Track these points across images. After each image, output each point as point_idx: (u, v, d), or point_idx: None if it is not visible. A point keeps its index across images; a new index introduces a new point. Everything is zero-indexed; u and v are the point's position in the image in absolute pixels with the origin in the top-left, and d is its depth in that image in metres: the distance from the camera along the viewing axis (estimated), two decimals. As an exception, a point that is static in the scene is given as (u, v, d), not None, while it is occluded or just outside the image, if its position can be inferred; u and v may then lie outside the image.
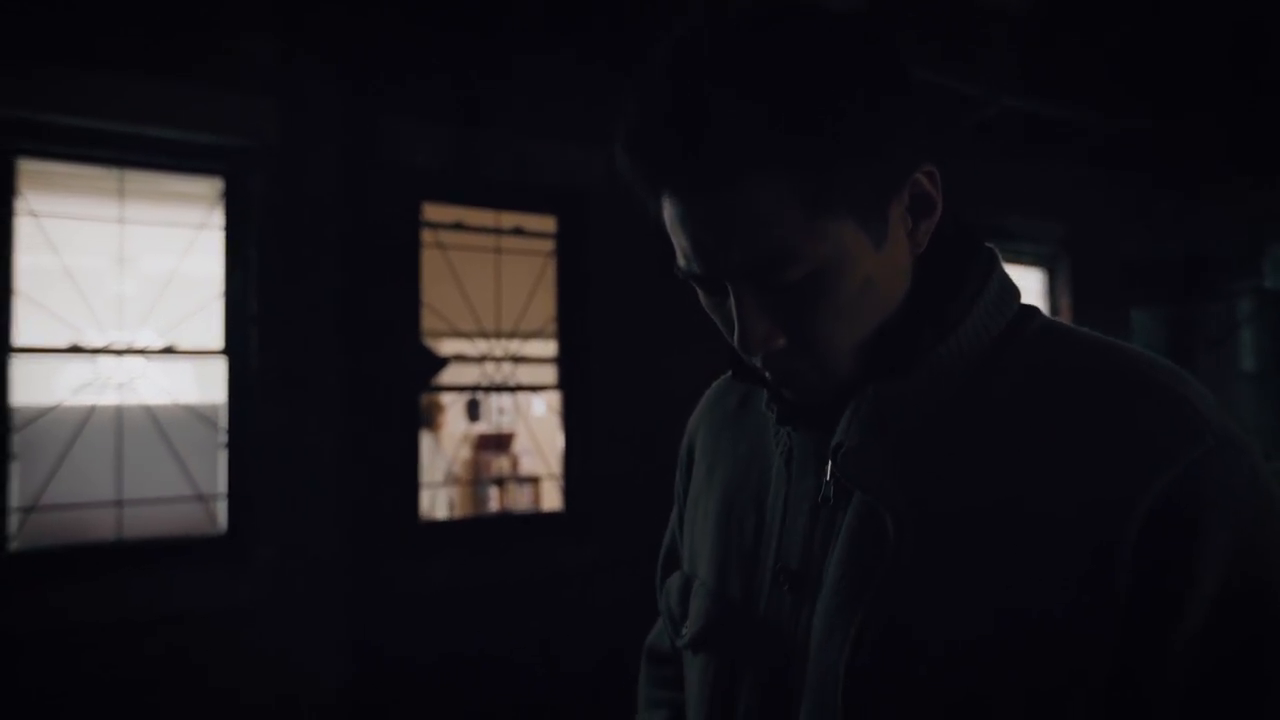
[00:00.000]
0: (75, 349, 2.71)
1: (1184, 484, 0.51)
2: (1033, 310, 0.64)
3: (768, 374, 0.62)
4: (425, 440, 4.87)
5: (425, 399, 4.88)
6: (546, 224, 3.54)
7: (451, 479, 4.66)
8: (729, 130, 0.51)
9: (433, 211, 3.30)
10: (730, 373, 0.71)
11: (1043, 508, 0.53)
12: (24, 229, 2.62)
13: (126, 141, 2.72)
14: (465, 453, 5.87)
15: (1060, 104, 4.37)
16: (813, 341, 0.58)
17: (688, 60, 0.54)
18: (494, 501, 5.77)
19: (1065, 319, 4.72)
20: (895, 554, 0.56)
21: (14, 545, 2.56)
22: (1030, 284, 5.02)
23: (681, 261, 0.59)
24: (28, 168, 2.64)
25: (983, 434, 0.57)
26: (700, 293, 0.62)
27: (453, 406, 5.25)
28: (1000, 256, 0.66)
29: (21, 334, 2.59)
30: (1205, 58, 4.37)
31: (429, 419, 5.01)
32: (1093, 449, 0.53)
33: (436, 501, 4.67)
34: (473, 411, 6.41)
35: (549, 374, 3.58)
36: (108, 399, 2.78)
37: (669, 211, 0.57)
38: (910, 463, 0.58)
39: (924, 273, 0.62)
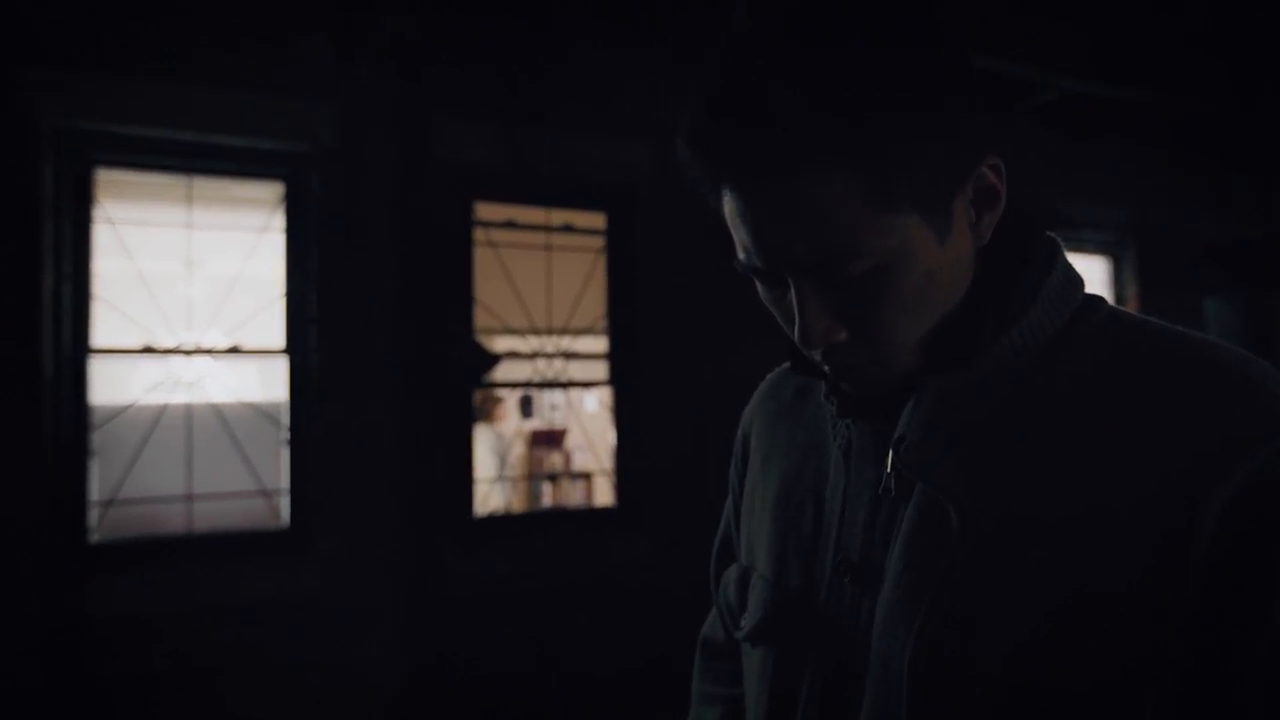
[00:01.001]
0: (148, 350, 2.83)
1: (1266, 472, 0.49)
2: (1098, 300, 0.63)
3: (827, 367, 0.61)
4: (487, 433, 4.98)
5: (485, 393, 4.98)
6: (596, 220, 3.55)
7: (507, 474, 4.72)
8: (791, 124, 0.50)
9: (484, 210, 3.35)
10: (788, 365, 0.71)
11: (1111, 498, 0.52)
12: (101, 236, 2.75)
13: (194, 149, 2.83)
14: (519, 449, 5.94)
15: (1123, 86, 4.20)
16: (874, 336, 0.57)
17: (749, 53, 0.53)
18: (547, 497, 5.83)
19: (1132, 307, 4.54)
20: (959, 546, 0.55)
21: (95, 537, 2.69)
22: (1094, 272, 4.85)
23: (741, 255, 0.58)
24: (105, 177, 2.77)
25: (1048, 425, 0.56)
26: (759, 286, 0.61)
27: (505, 403, 5.32)
28: (1063, 246, 0.64)
29: (99, 336, 2.72)
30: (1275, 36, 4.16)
31: (486, 411, 5.10)
32: (1165, 439, 0.52)
33: (496, 494, 4.76)
34: (526, 408, 6.49)
35: (600, 370, 3.60)
36: (178, 397, 2.90)
37: (730, 205, 0.57)
38: (973, 455, 0.57)
39: (986, 264, 0.61)
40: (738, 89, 0.52)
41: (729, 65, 0.53)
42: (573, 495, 5.75)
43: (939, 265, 0.57)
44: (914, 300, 0.56)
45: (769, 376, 0.84)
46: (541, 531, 3.42)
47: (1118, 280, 4.85)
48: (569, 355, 3.56)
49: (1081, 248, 4.75)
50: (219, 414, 2.94)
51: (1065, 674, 0.51)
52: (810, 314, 0.56)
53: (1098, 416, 0.55)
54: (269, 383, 3.04)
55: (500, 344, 3.59)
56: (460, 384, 3.24)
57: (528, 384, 3.70)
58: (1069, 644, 0.51)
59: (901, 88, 0.52)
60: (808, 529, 0.67)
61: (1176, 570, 0.50)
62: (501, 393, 5.05)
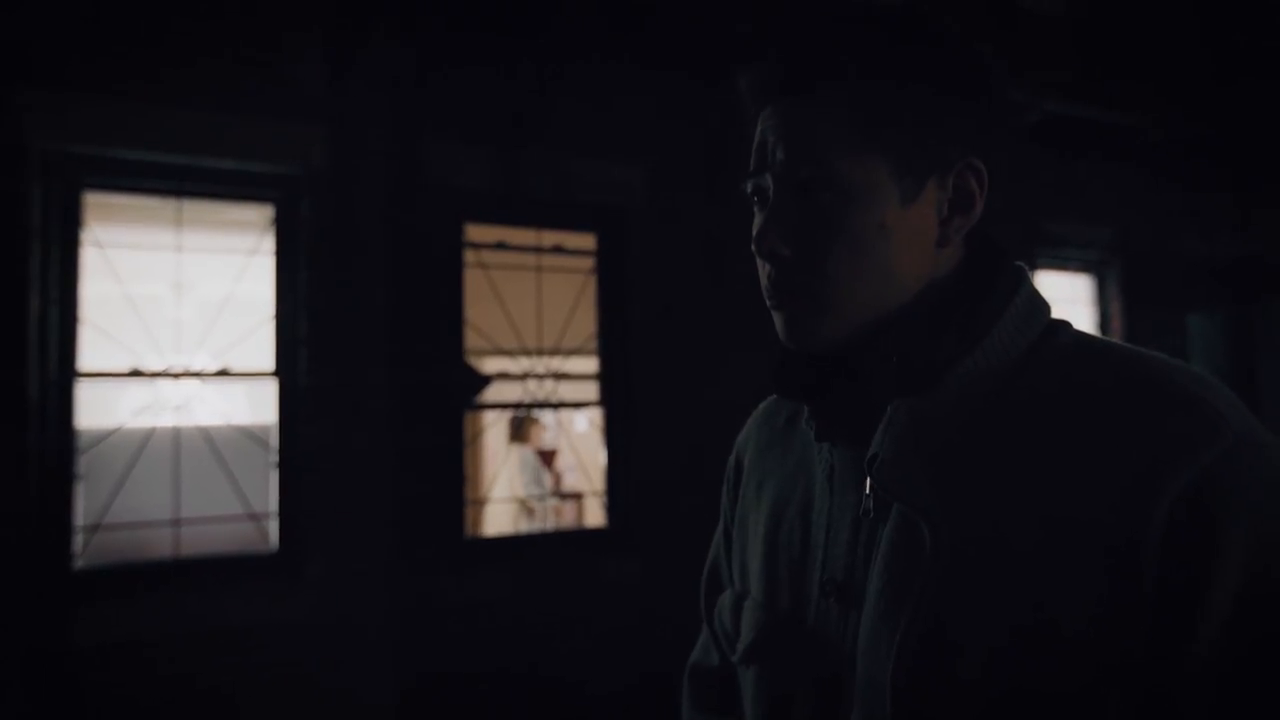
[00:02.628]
0: (136, 373, 2.81)
1: (1204, 481, 0.52)
2: (1062, 324, 0.66)
3: (770, 294, 0.66)
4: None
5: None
6: (586, 241, 3.57)
7: (503, 495, 4.70)
8: (819, 42, 0.62)
9: (475, 232, 3.36)
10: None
11: (1069, 510, 0.55)
12: (90, 259, 2.74)
13: (184, 172, 2.84)
14: (510, 469, 5.91)
15: (1105, 109, 4.27)
16: (814, 261, 0.62)
17: (807, 11, 0.64)
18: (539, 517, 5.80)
19: (1115, 324, 4.55)
20: (933, 562, 0.57)
21: (79, 563, 2.65)
22: (1079, 290, 4.90)
23: (750, 168, 0.67)
24: (93, 200, 2.76)
25: (1012, 444, 0.59)
26: (755, 210, 0.68)
27: (495, 425, 5.31)
28: (1029, 274, 0.67)
29: (87, 359, 2.70)
30: (1258, 58, 4.25)
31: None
32: (1114, 452, 0.55)
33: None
34: (516, 429, 6.47)
35: (591, 390, 3.60)
36: (166, 421, 2.88)
37: (759, 126, 0.66)
38: (944, 473, 0.60)
39: (951, 286, 0.65)
40: (790, 25, 0.64)
41: (788, 16, 0.64)
42: (564, 516, 5.72)
43: (894, 225, 0.62)
44: (859, 243, 0.61)
45: (762, 404, 0.86)
46: (534, 552, 3.40)
47: (1102, 297, 4.91)
48: (559, 376, 3.56)
49: (1066, 266, 4.80)
50: (207, 437, 2.92)
51: (1038, 682, 0.54)
52: (770, 222, 0.63)
53: (1057, 435, 0.58)
54: (257, 405, 3.02)
55: (491, 365, 3.59)
56: (451, 405, 3.23)
57: (518, 405, 3.69)
58: (1039, 653, 0.54)
59: (912, 55, 0.62)
60: (796, 552, 0.70)
61: (1130, 578, 0.52)
62: (490, 414, 5.04)
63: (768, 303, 0.66)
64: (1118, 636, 0.52)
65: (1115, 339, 4.96)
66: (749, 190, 0.66)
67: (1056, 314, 0.67)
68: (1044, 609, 0.53)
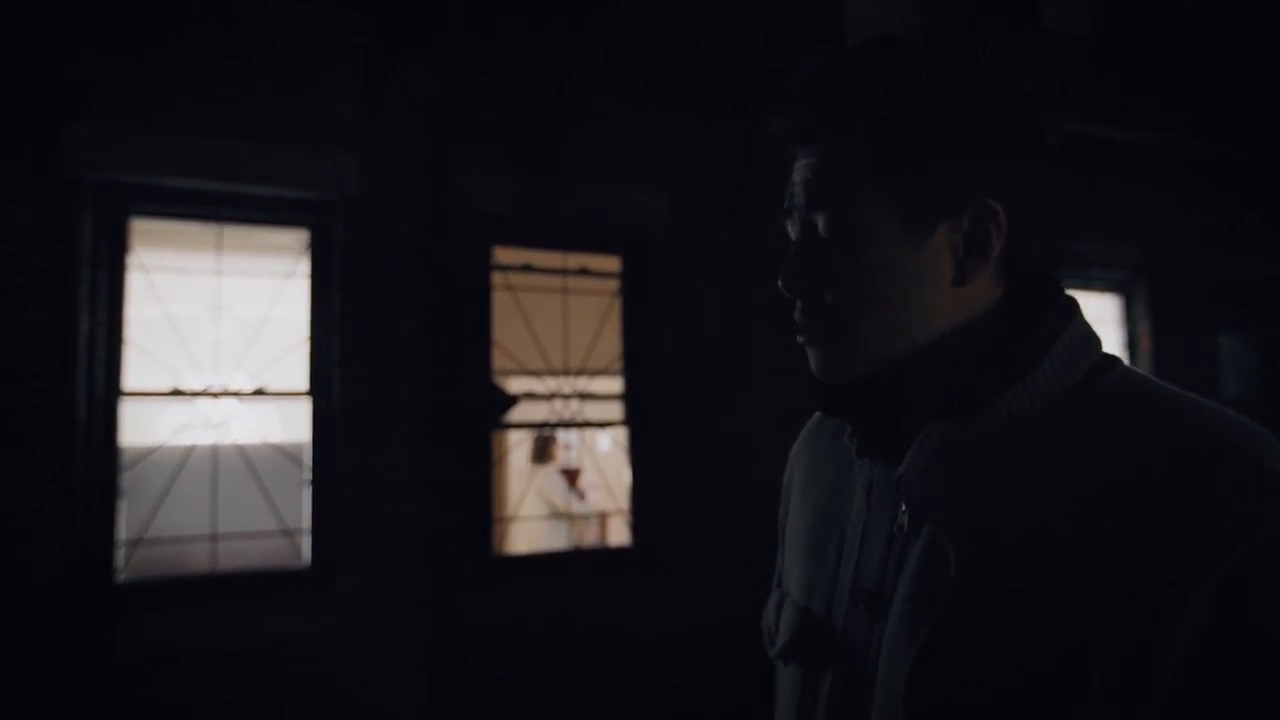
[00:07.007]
0: (176, 392, 2.91)
1: (1249, 569, 0.51)
2: (1112, 361, 0.65)
3: (800, 330, 0.70)
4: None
5: (546, 435, 5.04)
6: (611, 264, 3.63)
7: (526, 514, 4.75)
8: (826, 98, 0.65)
9: (503, 255, 3.44)
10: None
11: (1102, 555, 0.55)
12: (135, 283, 2.85)
13: (224, 199, 2.95)
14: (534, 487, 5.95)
15: (1129, 129, 4.27)
16: (830, 301, 0.66)
17: (819, 66, 0.68)
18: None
19: (1144, 345, 4.47)
20: (955, 581, 0.60)
21: (122, 577, 2.74)
22: (1106, 310, 4.86)
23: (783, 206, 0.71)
24: (139, 226, 2.88)
25: (1048, 478, 0.59)
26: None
27: (521, 444, 5.36)
28: (1080, 309, 0.67)
29: (130, 379, 2.80)
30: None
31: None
32: (1159, 512, 0.54)
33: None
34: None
35: (615, 410, 3.65)
36: (204, 439, 2.96)
37: (795, 168, 0.69)
38: (975, 499, 0.61)
39: (991, 322, 0.66)
40: (801, 82, 0.68)
41: (801, 72, 0.68)
42: (588, 535, 5.74)
43: (903, 266, 0.64)
44: (869, 285, 0.65)
45: (814, 417, 0.89)
46: (559, 571, 3.43)
47: (1129, 318, 4.86)
48: (585, 396, 3.61)
49: (1092, 286, 4.77)
50: (244, 455, 3.00)
51: (1044, 702, 0.55)
52: (793, 258, 0.68)
53: (1095, 475, 0.58)
54: (292, 424, 3.10)
55: (517, 385, 3.65)
56: (479, 425, 3.29)
57: (544, 424, 3.74)
58: (1045, 686, 0.55)
59: (920, 106, 0.63)
60: (832, 559, 0.73)
61: (1152, 637, 0.52)
62: (515, 435, 5.10)
63: (798, 337, 0.70)
64: (1128, 679, 0.52)
65: (1143, 358, 4.79)
66: (786, 227, 0.71)
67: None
68: (1058, 639, 0.54)
